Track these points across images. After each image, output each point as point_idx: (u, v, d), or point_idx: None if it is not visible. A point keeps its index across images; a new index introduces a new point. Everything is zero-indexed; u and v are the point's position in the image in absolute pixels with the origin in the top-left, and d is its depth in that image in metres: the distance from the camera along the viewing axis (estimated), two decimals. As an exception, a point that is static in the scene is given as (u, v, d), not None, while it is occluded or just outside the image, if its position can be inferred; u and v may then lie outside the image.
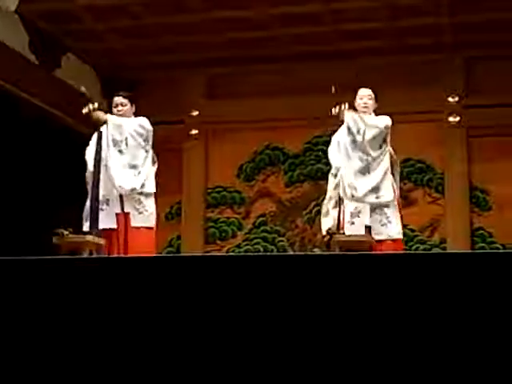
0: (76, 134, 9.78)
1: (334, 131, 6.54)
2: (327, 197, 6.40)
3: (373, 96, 6.44)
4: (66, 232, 6.93)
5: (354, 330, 3.47)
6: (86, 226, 6.37)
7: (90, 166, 6.42)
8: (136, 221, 6.30)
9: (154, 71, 10.15)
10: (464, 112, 9.47)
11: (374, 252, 5.68)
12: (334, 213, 6.25)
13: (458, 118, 9.43)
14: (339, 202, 6.22)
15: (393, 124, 6.38)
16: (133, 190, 6.29)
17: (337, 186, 6.27)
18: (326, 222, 6.36)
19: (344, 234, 6.17)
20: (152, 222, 6.41)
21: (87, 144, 6.42)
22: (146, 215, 6.34)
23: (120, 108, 6.56)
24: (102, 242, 7.09)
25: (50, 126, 9.22)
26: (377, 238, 6.00)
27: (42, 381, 3.64)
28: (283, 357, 3.49)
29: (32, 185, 8.68)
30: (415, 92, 9.05)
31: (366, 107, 6.38)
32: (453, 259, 3.72)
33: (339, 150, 6.35)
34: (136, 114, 6.75)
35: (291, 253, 9.32)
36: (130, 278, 3.73)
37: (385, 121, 6.26)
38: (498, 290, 3.41)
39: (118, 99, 6.58)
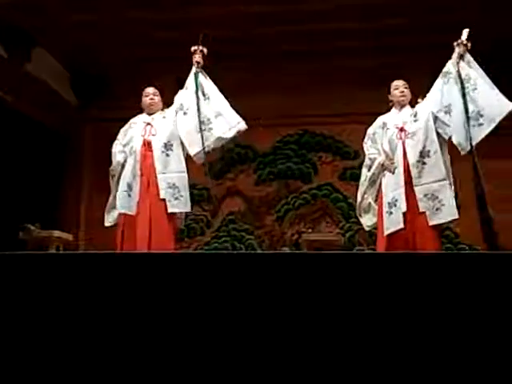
0: (46, 129, 9.75)
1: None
2: (361, 191, 6.23)
3: (407, 85, 6.34)
4: (32, 227, 6.88)
5: (324, 331, 3.48)
6: (107, 220, 6.28)
7: (119, 157, 6.28)
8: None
9: (125, 67, 10.09)
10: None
11: (343, 251, 5.66)
12: (376, 206, 6.14)
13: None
14: (379, 194, 6.12)
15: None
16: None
17: (371, 179, 6.17)
18: (368, 219, 6.23)
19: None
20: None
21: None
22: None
23: (152, 97, 6.56)
24: (70, 237, 7.03)
25: (21, 120, 9.16)
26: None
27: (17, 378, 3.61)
28: (250, 357, 3.49)
29: (3, 179, 8.62)
30: (375, 93, 9.06)
31: (403, 95, 6.28)
32: (420, 260, 3.74)
33: (374, 141, 6.27)
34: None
35: (260, 251, 9.33)
36: (101, 275, 3.71)
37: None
38: (465, 290, 3.45)
39: (151, 89, 6.56)
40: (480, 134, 5.90)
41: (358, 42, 9.30)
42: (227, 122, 6.20)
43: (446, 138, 6.05)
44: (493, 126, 5.92)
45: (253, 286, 3.56)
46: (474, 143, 5.88)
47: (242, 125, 6.22)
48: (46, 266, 3.79)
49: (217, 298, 3.56)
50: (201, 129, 6.11)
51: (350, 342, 3.44)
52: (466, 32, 5.98)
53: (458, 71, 5.96)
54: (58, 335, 3.60)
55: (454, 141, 6.00)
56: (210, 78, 6.44)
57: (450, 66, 6.08)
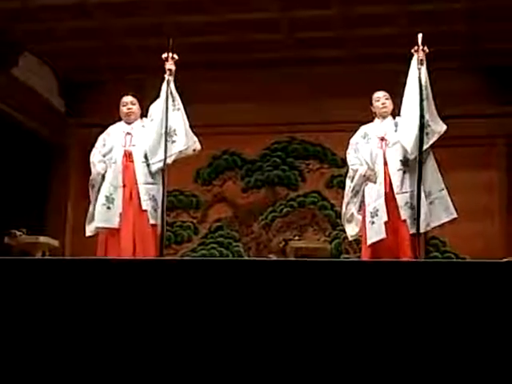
0: (33, 135, 9.71)
1: None
2: (345, 202, 6.22)
3: (388, 96, 6.31)
4: (18, 232, 6.84)
5: (310, 337, 3.47)
6: (88, 230, 6.20)
7: (99, 168, 6.19)
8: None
9: (112, 73, 10.07)
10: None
11: (329, 259, 5.66)
12: (359, 216, 6.13)
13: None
14: (362, 204, 6.11)
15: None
16: None
17: (354, 189, 6.16)
18: (351, 228, 6.22)
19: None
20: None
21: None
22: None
23: (130, 106, 6.44)
24: (56, 243, 6.98)
25: (8, 126, 9.12)
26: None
27: None
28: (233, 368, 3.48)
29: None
30: (362, 101, 9.11)
31: (385, 107, 6.26)
32: (406, 267, 3.75)
33: (357, 151, 6.26)
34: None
35: (246, 258, 9.32)
36: (87, 281, 3.69)
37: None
38: (451, 298, 3.45)
39: (128, 97, 6.40)
40: (428, 142, 5.93)
41: (346, 51, 9.32)
42: (189, 138, 6.19)
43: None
44: (432, 141, 5.96)
45: (239, 293, 3.55)
46: (423, 149, 5.89)
47: (197, 145, 6.25)
48: (32, 271, 3.78)
49: (203, 305, 3.55)
50: (165, 139, 6.07)
51: (337, 348, 3.43)
52: (420, 37, 5.98)
53: (419, 77, 5.96)
54: (43, 341, 3.58)
55: (402, 143, 6.01)
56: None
57: (410, 73, 6.05)
